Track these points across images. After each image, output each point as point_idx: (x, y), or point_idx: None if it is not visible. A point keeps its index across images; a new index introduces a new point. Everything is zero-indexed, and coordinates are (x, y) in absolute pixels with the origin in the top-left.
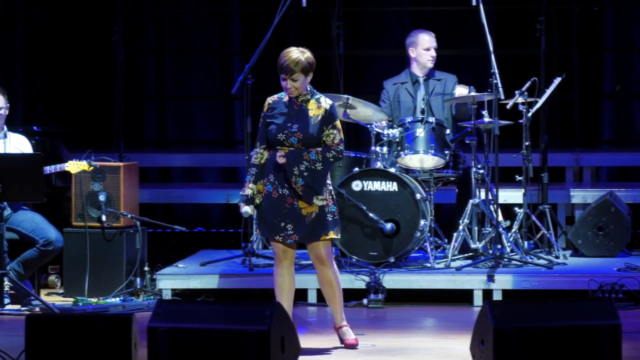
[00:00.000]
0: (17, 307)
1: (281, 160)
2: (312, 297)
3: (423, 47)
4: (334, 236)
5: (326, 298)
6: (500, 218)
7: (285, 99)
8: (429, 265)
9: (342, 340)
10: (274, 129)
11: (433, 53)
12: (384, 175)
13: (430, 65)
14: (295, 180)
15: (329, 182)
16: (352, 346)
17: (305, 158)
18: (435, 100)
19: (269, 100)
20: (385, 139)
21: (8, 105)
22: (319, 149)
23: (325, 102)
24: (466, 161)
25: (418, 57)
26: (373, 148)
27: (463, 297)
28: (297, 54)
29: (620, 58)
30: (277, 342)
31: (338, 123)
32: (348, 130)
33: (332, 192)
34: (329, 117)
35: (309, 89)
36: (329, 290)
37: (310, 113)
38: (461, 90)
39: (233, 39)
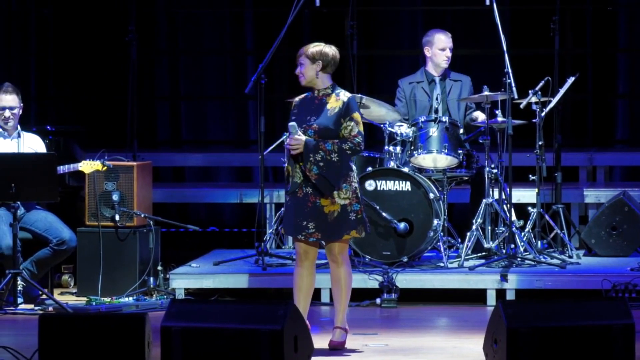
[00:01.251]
0: (31, 306)
1: (296, 146)
2: (325, 297)
3: (438, 47)
4: (357, 235)
5: (333, 296)
6: (514, 217)
7: (310, 96)
8: (442, 264)
9: (330, 340)
10: (295, 124)
11: (448, 53)
12: (397, 175)
13: (444, 65)
14: (310, 168)
15: (354, 179)
16: (334, 347)
17: (321, 148)
18: (452, 102)
19: (296, 99)
20: (398, 138)
21: (22, 105)
22: (336, 140)
23: (344, 95)
24: (479, 161)
25: (433, 56)
26: (386, 147)
27: (476, 296)
28: (313, 44)
29: (634, 58)
30: (290, 342)
31: (357, 116)
32: None
33: (358, 191)
34: (346, 109)
35: (330, 84)
36: (336, 289)
37: (328, 106)
38: (479, 115)
39: (246, 39)
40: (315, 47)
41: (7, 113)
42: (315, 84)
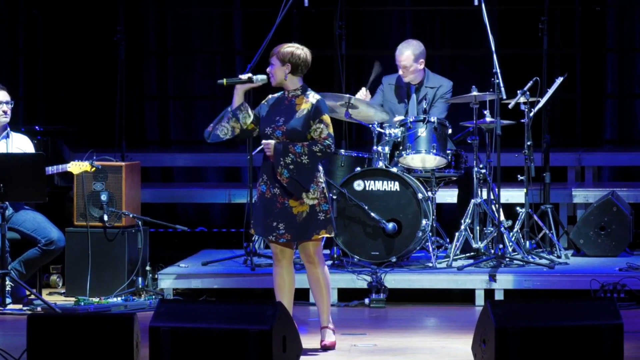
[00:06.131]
0: (19, 307)
1: (267, 149)
2: (312, 297)
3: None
4: (326, 235)
5: (314, 297)
6: (502, 218)
7: (281, 96)
8: (430, 264)
9: (320, 341)
10: (263, 122)
11: (401, 71)
12: (385, 175)
13: (405, 79)
14: (281, 172)
15: (321, 180)
16: (328, 347)
17: (291, 151)
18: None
19: (269, 95)
20: (387, 138)
21: (12, 102)
22: (305, 142)
23: (313, 97)
24: (468, 161)
25: None
26: (375, 148)
27: (465, 296)
28: (285, 45)
29: (623, 58)
30: (278, 342)
31: (326, 118)
32: (350, 129)
33: (325, 190)
34: (315, 111)
35: (300, 85)
36: (316, 290)
37: (297, 108)
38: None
39: (235, 39)
40: (287, 49)
41: (5, 107)
42: (285, 85)
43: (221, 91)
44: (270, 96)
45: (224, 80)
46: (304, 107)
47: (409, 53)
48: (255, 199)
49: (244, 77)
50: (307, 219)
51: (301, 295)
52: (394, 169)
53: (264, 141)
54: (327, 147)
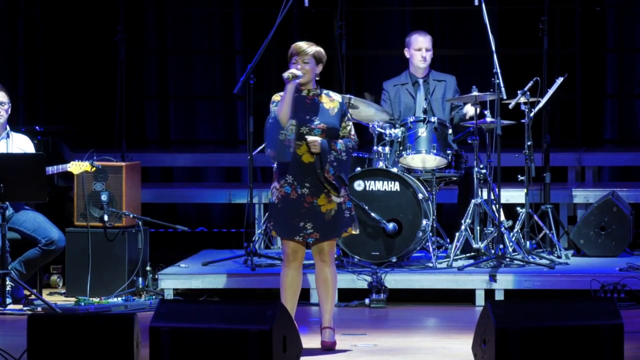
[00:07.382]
0: (19, 307)
1: (314, 147)
2: (314, 297)
3: (414, 48)
4: (353, 232)
5: (319, 296)
6: (503, 218)
7: (296, 95)
8: (431, 265)
9: (321, 341)
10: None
11: (424, 53)
12: (386, 175)
13: (421, 65)
14: (328, 169)
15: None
16: (329, 347)
17: (333, 148)
18: (436, 102)
19: (279, 94)
20: (387, 138)
21: (10, 103)
22: (340, 140)
23: (336, 95)
24: (468, 161)
25: (411, 57)
26: (375, 148)
27: (465, 296)
28: (308, 43)
29: (623, 58)
30: (279, 342)
31: (350, 115)
32: None
33: (347, 188)
34: (345, 109)
35: (316, 84)
36: (323, 289)
37: (326, 106)
38: (469, 109)
39: (235, 39)
40: (318, 49)
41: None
42: (309, 84)
43: (221, 91)
44: (279, 96)
45: (289, 75)
46: (333, 106)
47: (429, 37)
48: (275, 200)
49: (298, 72)
50: (336, 217)
51: (301, 295)
52: (394, 169)
53: (310, 138)
54: (357, 143)
